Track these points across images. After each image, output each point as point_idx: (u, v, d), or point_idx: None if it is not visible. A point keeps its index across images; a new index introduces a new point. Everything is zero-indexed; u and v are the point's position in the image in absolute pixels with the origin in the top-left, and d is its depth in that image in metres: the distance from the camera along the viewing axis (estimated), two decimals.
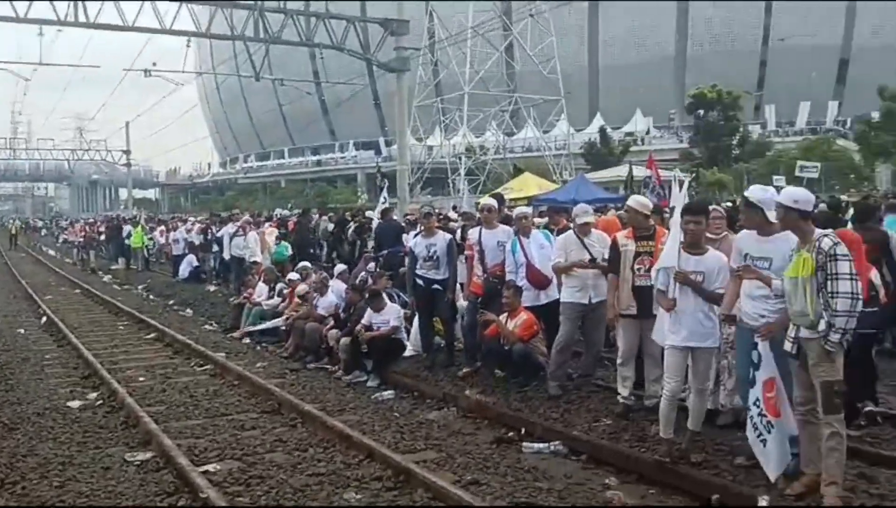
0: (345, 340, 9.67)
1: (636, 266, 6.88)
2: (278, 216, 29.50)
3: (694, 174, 42.12)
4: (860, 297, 4.64)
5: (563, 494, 5.42)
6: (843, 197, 20.05)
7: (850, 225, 8.45)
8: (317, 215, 25.93)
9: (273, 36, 26.55)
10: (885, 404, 7.22)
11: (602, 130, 54.15)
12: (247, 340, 12.40)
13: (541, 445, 6.57)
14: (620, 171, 34.55)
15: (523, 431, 6.98)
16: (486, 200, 10.06)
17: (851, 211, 12.29)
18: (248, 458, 6.41)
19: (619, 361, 7.14)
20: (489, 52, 55.41)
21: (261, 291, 13.27)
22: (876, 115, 43.07)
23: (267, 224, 22.01)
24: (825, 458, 4.74)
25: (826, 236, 4.78)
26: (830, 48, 66.14)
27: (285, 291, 12.56)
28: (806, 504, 4.84)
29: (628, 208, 7.29)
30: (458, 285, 9.36)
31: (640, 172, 25.93)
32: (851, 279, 4.61)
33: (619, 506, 5.26)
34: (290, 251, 17.71)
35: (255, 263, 15.96)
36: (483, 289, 8.76)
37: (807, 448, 5.01)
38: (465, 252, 9.17)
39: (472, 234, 9.18)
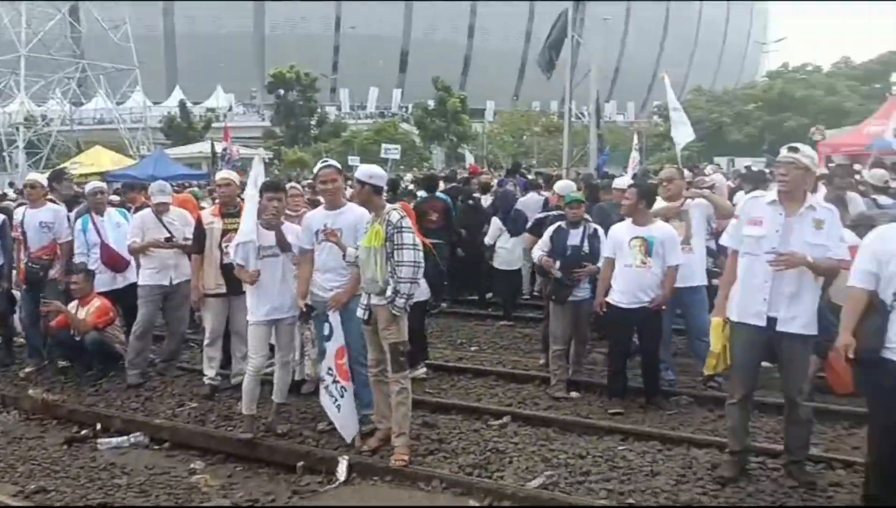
0: None
1: (224, 244, 6.76)
2: None
3: (276, 152, 43.13)
4: (421, 265, 5.18)
5: (144, 487, 5.17)
6: (408, 176, 22.45)
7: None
8: None
9: None
10: (442, 357, 8.28)
11: (182, 104, 52.00)
12: None
13: (119, 439, 6.14)
14: (203, 147, 33.71)
15: (99, 427, 6.44)
16: (33, 175, 8.89)
17: (411, 186, 13.88)
18: None
19: (206, 342, 7.00)
20: (51, 12, 49.26)
21: None
22: (431, 103, 48.76)
23: None
24: (394, 412, 5.24)
25: (394, 209, 5.24)
26: (393, 40, 72.62)
27: None
28: (380, 456, 5.30)
29: (230, 181, 7.12)
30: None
31: (220, 147, 25.79)
32: (414, 249, 5.12)
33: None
34: None
35: None
36: (25, 275, 7.82)
37: (380, 405, 5.49)
38: (13, 234, 8.04)
39: (18, 214, 8.16)
